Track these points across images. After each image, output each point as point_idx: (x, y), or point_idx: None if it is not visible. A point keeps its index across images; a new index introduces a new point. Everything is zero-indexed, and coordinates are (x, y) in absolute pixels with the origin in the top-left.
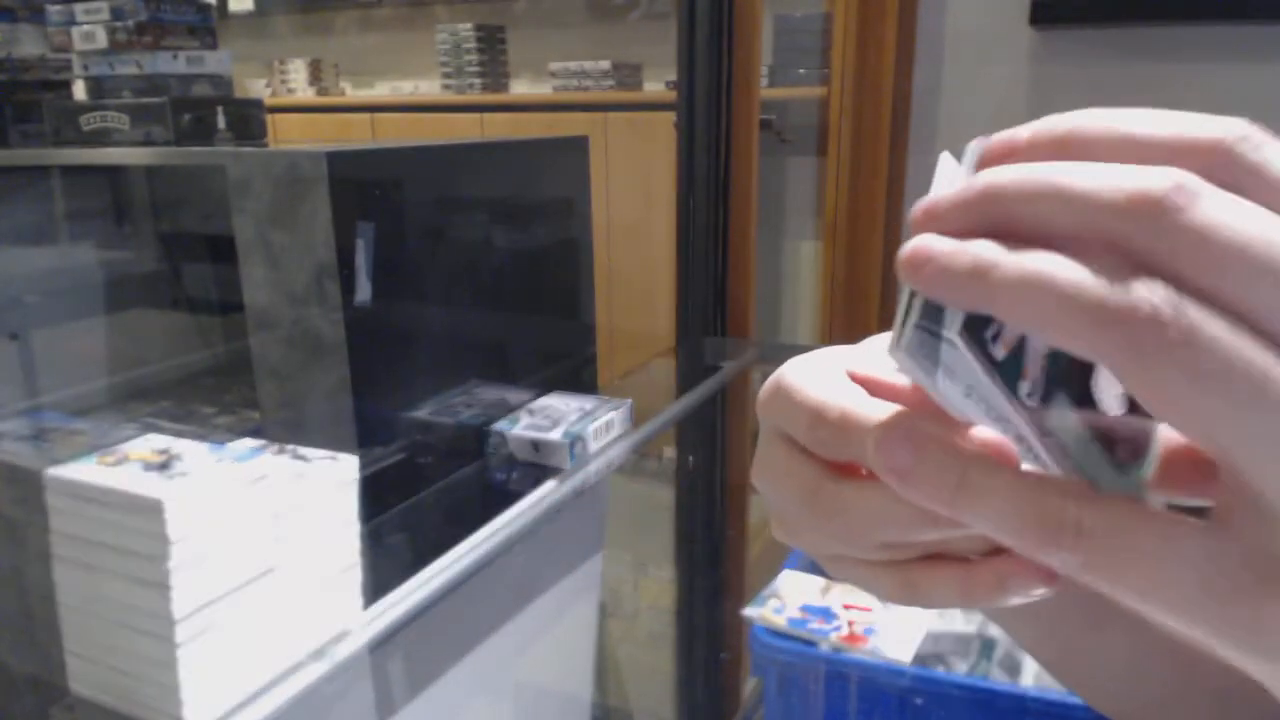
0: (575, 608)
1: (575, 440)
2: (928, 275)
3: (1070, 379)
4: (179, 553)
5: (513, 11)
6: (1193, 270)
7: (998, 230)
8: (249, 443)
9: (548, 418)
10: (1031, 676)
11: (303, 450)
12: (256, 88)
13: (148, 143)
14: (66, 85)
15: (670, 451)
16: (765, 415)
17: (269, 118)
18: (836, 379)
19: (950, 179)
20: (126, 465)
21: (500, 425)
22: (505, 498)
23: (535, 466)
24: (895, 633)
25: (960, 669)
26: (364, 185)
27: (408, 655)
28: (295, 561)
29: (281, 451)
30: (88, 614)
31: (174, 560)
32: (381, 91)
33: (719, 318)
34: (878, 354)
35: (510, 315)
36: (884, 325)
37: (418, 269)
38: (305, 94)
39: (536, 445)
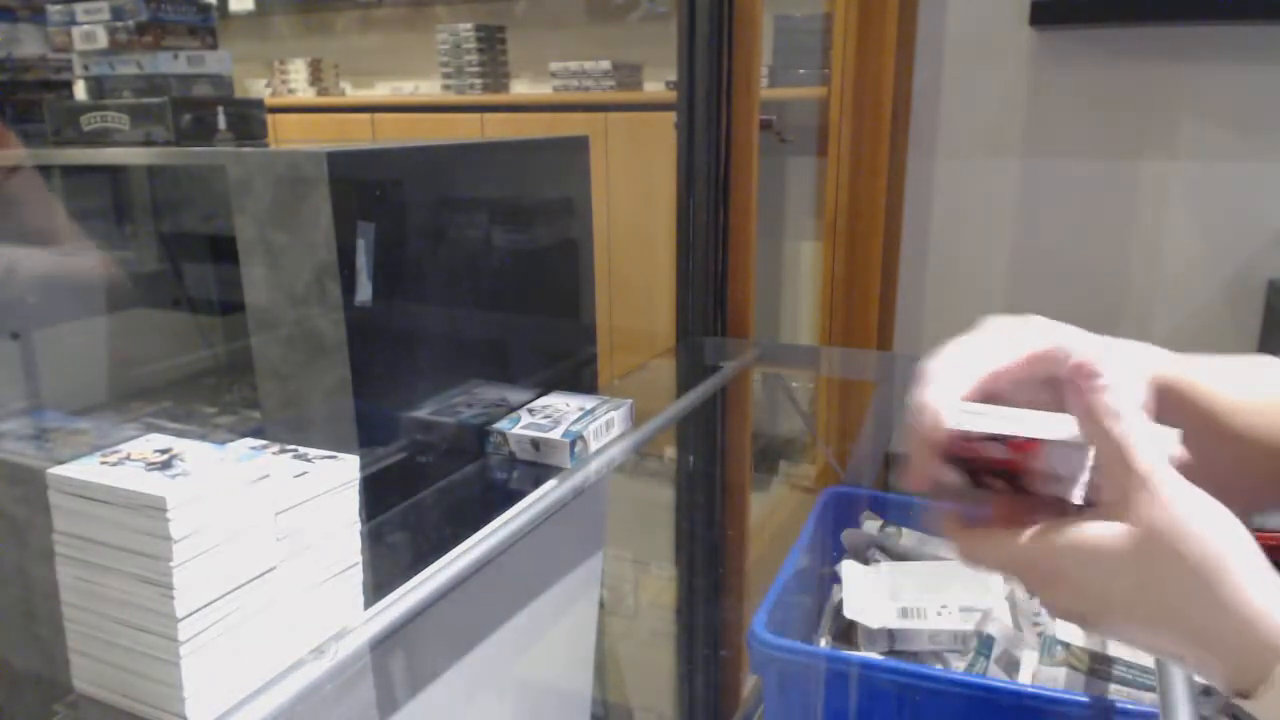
0: (576, 606)
1: (576, 439)
2: None
3: None
4: (181, 551)
5: (513, 11)
6: None
7: None
8: (250, 442)
9: (548, 417)
10: (1029, 674)
11: (304, 450)
12: (257, 88)
13: (148, 143)
14: (67, 85)
15: (671, 451)
16: None
17: (269, 118)
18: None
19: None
20: (128, 464)
21: (501, 424)
22: (506, 497)
23: (536, 465)
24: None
25: (958, 667)
26: (364, 185)
27: (409, 653)
28: (297, 560)
29: (283, 451)
30: (91, 612)
31: (176, 559)
32: (382, 92)
33: (719, 318)
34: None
35: (511, 315)
36: (883, 325)
37: (418, 269)
38: (306, 94)
39: (537, 444)
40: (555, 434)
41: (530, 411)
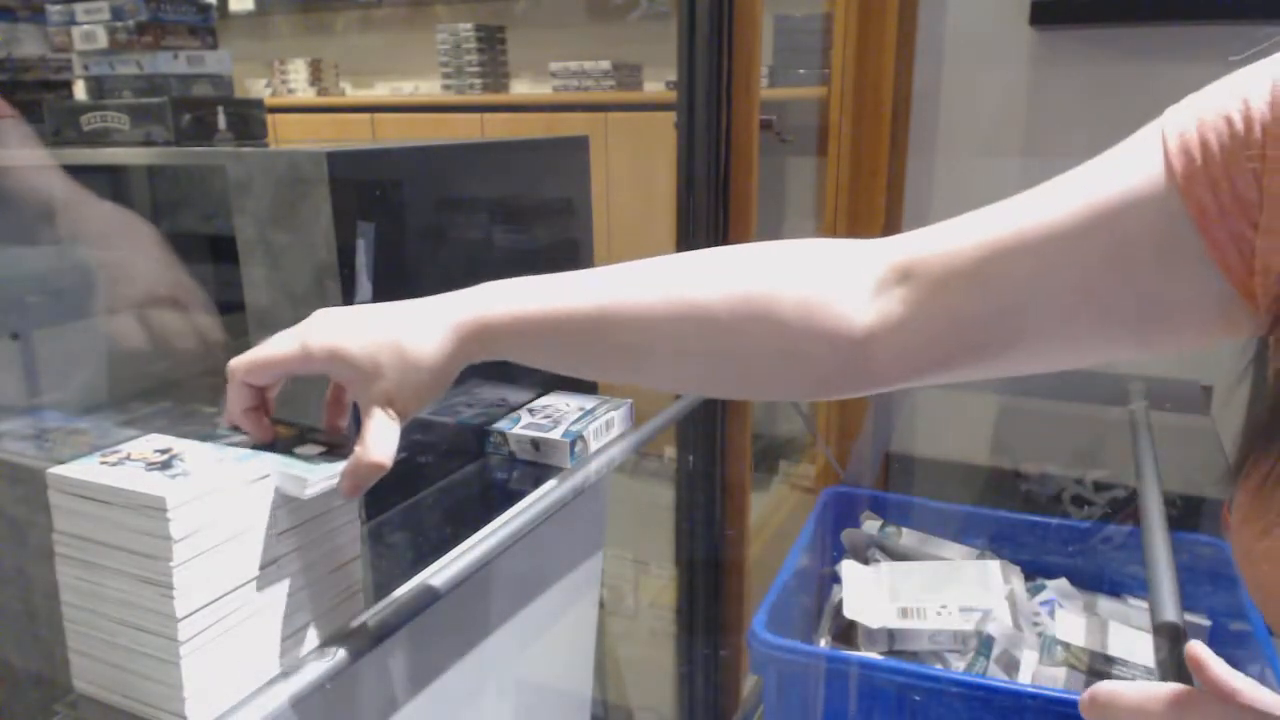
0: (576, 606)
1: (576, 439)
2: None
3: None
4: (181, 551)
5: (513, 11)
6: None
7: None
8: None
9: (548, 417)
10: (1029, 674)
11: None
12: (257, 88)
13: (148, 143)
14: (67, 85)
15: (671, 451)
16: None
17: (269, 118)
18: None
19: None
20: (128, 464)
21: (501, 424)
22: (506, 497)
23: (536, 465)
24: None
25: (958, 667)
26: (364, 185)
27: (408, 653)
28: (297, 560)
29: None
30: (91, 612)
31: (176, 559)
32: (381, 92)
33: None
34: None
35: None
36: None
37: (418, 269)
38: (305, 94)
39: (537, 444)
40: (555, 434)
41: (530, 411)
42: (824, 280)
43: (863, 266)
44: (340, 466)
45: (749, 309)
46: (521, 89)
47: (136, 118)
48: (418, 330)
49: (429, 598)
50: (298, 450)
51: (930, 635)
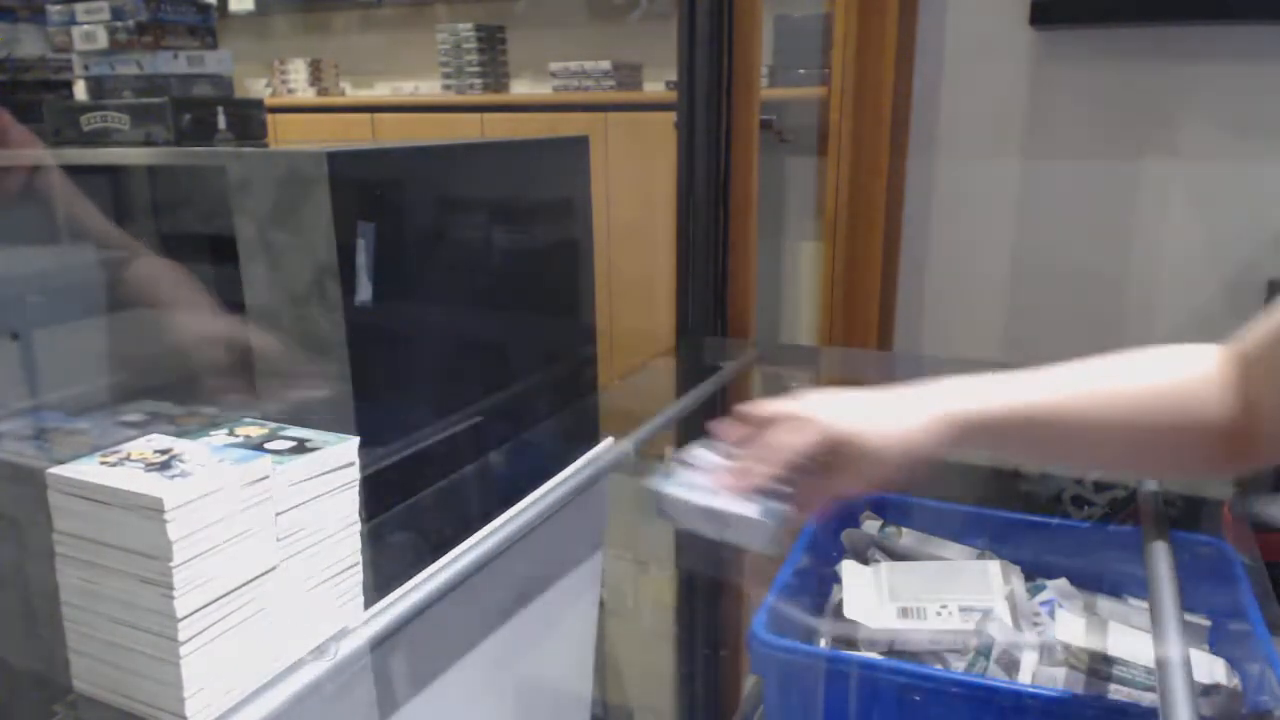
0: (575, 606)
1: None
2: None
3: None
4: (181, 551)
5: (513, 11)
6: None
7: None
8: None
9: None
10: (1029, 674)
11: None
12: (257, 88)
13: (148, 143)
14: (67, 85)
15: (671, 451)
16: None
17: (269, 118)
18: None
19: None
20: (128, 465)
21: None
22: (506, 497)
23: (536, 465)
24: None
25: (958, 667)
26: (364, 185)
27: (408, 653)
28: (297, 560)
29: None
30: (91, 612)
31: (176, 559)
32: (382, 92)
33: (719, 318)
34: None
35: (510, 315)
36: (883, 325)
37: (418, 269)
38: (306, 94)
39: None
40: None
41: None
42: (1201, 383)
43: (1222, 366)
44: (312, 460)
45: (1153, 405)
46: (521, 89)
47: (137, 118)
48: (905, 414)
49: (429, 598)
50: (268, 447)
51: (930, 635)
